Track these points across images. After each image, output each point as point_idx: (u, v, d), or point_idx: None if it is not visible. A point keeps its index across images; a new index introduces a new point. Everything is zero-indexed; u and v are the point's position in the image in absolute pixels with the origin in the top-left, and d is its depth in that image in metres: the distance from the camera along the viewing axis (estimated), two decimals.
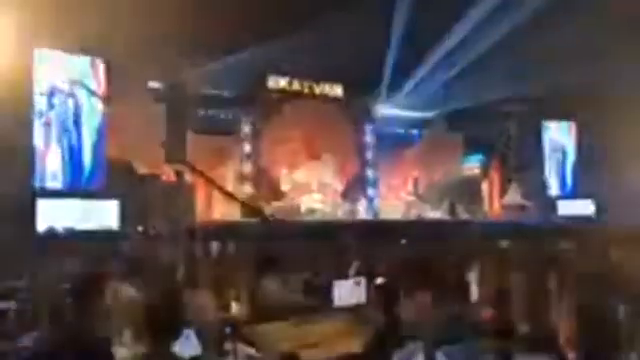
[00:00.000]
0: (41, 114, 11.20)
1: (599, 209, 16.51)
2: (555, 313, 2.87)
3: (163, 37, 11.45)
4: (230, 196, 13.65)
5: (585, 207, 17.01)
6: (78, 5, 10.35)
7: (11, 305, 4.03)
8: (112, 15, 10.53)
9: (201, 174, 12.92)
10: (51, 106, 11.36)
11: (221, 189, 13.71)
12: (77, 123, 11.78)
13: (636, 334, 2.79)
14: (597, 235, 7.98)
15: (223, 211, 14.10)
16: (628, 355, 2.67)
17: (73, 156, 11.69)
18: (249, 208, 13.40)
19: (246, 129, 15.89)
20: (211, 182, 13.39)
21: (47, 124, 11.30)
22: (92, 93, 11.61)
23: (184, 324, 2.68)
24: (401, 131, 18.63)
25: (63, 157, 11.52)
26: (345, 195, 16.86)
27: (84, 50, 11.74)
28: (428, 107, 17.68)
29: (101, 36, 11.06)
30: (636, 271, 4.71)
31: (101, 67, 11.97)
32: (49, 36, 10.91)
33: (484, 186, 17.53)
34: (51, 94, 11.38)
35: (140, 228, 11.03)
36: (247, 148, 15.81)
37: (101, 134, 12.01)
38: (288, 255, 5.62)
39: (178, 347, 2.53)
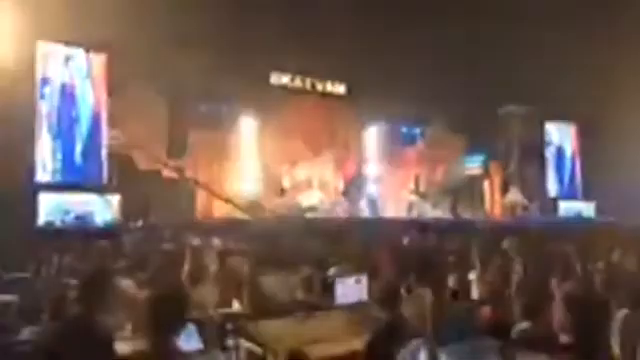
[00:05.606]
0: (40, 109, 11.18)
1: (599, 210, 16.52)
2: (555, 311, 2.88)
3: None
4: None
5: (586, 208, 17.03)
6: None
7: (13, 298, 4.03)
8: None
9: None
10: (50, 100, 11.35)
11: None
12: (76, 117, 11.75)
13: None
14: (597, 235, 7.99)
15: (224, 208, 14.07)
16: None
17: (74, 151, 11.68)
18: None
19: (247, 125, 15.85)
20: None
21: (47, 118, 11.29)
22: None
23: (187, 319, 2.67)
24: (403, 130, 18.53)
25: (64, 152, 11.51)
26: (346, 193, 16.83)
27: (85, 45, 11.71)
28: None
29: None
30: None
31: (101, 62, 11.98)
32: (52, 29, 10.86)
33: (485, 186, 17.51)
34: (50, 88, 11.35)
35: (140, 222, 11.04)
36: (248, 144, 15.77)
37: (101, 129, 12.00)
38: (290, 252, 5.62)
39: (181, 341, 2.53)
